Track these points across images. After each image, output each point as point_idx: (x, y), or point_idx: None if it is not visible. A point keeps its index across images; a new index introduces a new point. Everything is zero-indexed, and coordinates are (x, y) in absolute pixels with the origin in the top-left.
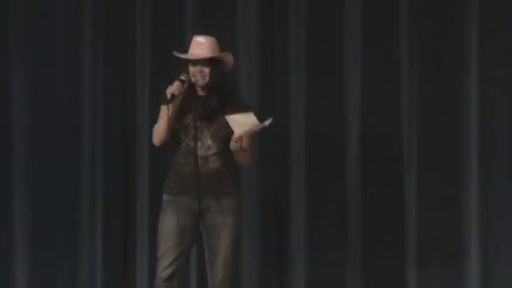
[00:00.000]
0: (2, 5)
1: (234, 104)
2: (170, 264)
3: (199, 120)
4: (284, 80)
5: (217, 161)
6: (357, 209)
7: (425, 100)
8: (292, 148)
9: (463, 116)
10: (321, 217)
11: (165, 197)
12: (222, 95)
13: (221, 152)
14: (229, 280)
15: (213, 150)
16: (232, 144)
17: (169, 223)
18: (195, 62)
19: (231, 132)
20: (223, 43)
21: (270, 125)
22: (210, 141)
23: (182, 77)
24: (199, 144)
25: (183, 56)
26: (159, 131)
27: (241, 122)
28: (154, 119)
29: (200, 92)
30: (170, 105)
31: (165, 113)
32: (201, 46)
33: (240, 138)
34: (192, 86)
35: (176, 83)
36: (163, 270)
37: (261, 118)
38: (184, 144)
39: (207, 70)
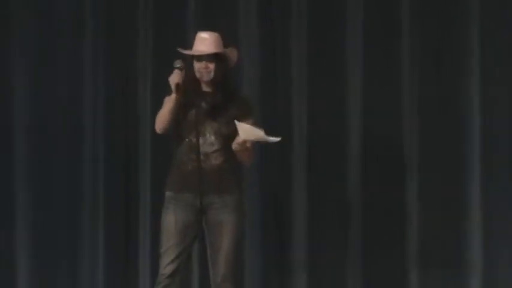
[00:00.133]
0: (2, 5)
1: (238, 101)
2: (172, 261)
3: (202, 116)
4: (285, 80)
5: (219, 158)
6: (358, 209)
7: (426, 100)
8: (293, 148)
9: (463, 116)
10: (322, 217)
11: (167, 193)
12: (226, 92)
13: (224, 148)
14: (231, 277)
15: (215, 147)
16: (235, 146)
17: (171, 220)
18: (200, 57)
19: (234, 129)
20: (225, 42)
21: (275, 143)
22: (213, 138)
23: (178, 65)
24: (202, 140)
25: (187, 52)
26: (162, 117)
27: (249, 132)
28: (155, 119)
29: (205, 88)
30: (175, 95)
31: (168, 100)
32: (205, 42)
33: (244, 142)
34: (197, 82)
35: (176, 72)
36: (166, 266)
37: (262, 118)
38: (187, 140)
39: (212, 66)
